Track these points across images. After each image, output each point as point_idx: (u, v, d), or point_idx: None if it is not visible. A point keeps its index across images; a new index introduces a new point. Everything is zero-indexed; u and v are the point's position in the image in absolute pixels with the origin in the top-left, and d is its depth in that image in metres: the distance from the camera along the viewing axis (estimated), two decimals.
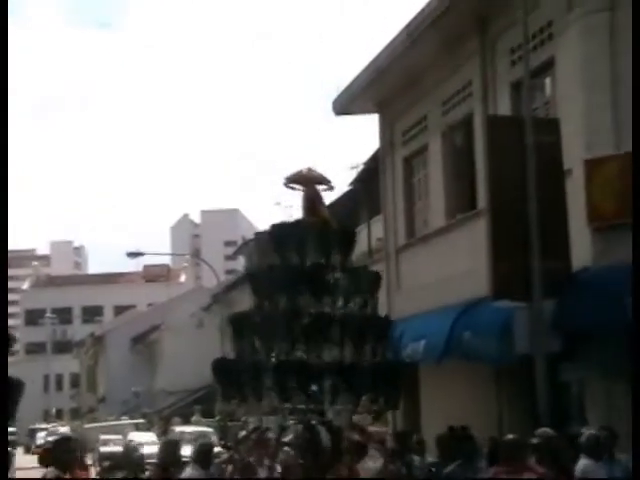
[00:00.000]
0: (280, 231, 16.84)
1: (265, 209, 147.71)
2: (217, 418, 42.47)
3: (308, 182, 17.67)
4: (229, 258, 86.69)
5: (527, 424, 15.89)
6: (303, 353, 15.59)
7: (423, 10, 23.06)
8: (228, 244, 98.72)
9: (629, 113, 18.22)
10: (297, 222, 17.02)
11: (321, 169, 17.57)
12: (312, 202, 17.24)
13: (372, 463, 15.49)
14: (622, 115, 18.43)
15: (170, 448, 16.77)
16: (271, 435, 16.70)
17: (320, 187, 17.68)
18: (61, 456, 13.88)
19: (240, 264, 69.61)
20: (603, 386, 18.11)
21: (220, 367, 16.55)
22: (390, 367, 16.09)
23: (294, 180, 17.75)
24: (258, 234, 58.49)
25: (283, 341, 15.65)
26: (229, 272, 76.83)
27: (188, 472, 14.34)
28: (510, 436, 13.60)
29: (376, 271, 17.31)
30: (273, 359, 15.66)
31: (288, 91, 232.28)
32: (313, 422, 15.56)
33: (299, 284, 15.99)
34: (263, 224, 72.70)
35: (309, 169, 19.10)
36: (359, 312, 16.13)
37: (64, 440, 15.78)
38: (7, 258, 14.66)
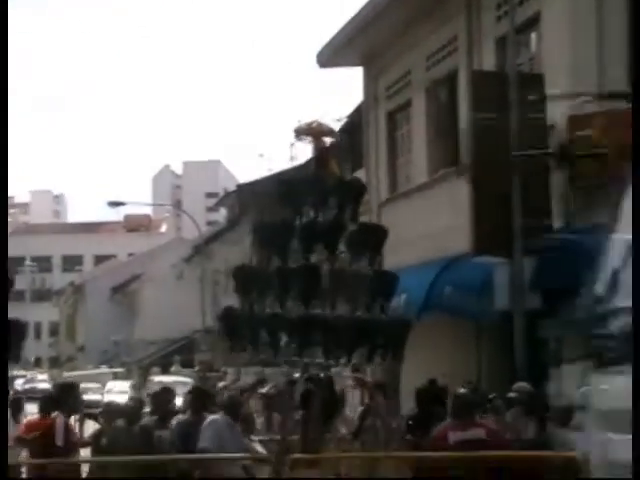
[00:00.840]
0: (291, 184, 16.91)
1: (247, 161, 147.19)
2: (196, 369, 42.66)
3: (318, 134, 17.52)
4: (210, 210, 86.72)
5: (505, 379, 16.03)
6: (315, 308, 15.56)
7: None
8: (209, 195, 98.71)
9: (615, 69, 18.45)
10: (309, 175, 17.03)
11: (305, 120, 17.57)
12: (323, 154, 17.16)
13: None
14: (608, 71, 18.63)
15: (166, 396, 16.92)
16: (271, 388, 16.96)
17: (328, 139, 17.69)
18: (67, 401, 14.03)
19: (221, 216, 69.70)
20: (580, 344, 18.16)
21: (229, 318, 16.34)
22: (397, 322, 16.12)
23: (304, 132, 17.55)
24: (240, 186, 58.41)
25: (296, 295, 15.55)
26: (210, 223, 76.95)
27: (215, 418, 14.17)
28: (461, 391, 13.83)
29: (384, 226, 17.19)
30: (285, 313, 15.46)
31: (272, 42, 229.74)
32: (320, 375, 15.72)
33: (314, 239, 15.95)
34: (245, 176, 72.90)
35: (318, 122, 19.10)
36: (369, 268, 15.99)
37: (69, 386, 15.85)
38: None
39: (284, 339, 15.46)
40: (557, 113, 18.59)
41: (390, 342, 15.77)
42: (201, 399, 14.96)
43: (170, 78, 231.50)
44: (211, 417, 14.04)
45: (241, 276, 16.51)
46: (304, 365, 15.79)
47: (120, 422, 14.55)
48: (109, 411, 15.17)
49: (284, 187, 16.98)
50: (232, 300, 51.83)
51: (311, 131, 17.38)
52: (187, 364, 50.13)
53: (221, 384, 21.90)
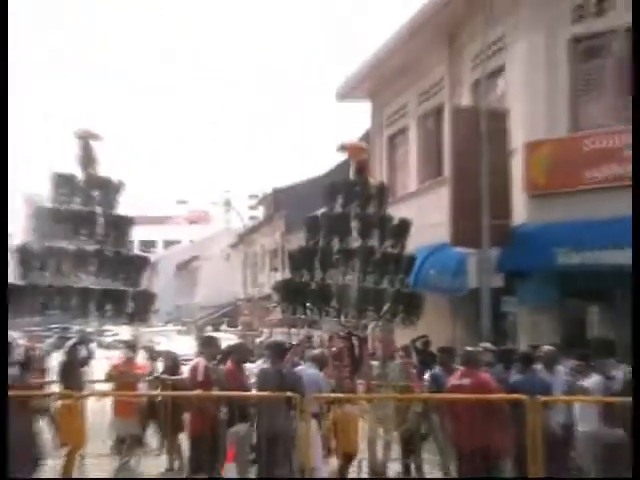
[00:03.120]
0: (336, 186, 16.62)
1: (280, 170, 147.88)
2: (239, 328, 42.76)
3: (357, 150, 17.56)
4: (251, 208, 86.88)
5: (474, 340, 15.76)
6: (350, 281, 15.51)
7: (406, 24, 22.97)
8: (251, 197, 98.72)
9: (559, 107, 18.59)
10: (349, 180, 16.67)
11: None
12: (360, 165, 17.04)
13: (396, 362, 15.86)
14: (554, 109, 18.59)
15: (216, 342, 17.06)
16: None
17: (363, 155, 17.53)
18: (210, 349, 14.08)
19: (260, 213, 69.81)
20: (532, 316, 18.27)
21: (284, 287, 16.22)
22: (414, 293, 16.04)
23: (346, 148, 17.56)
24: (275, 190, 58.42)
25: (337, 270, 15.51)
26: (251, 218, 76.93)
27: (310, 369, 13.77)
28: (468, 348, 13.36)
29: (406, 219, 16.78)
30: (330, 284, 15.42)
31: (303, 81, 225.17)
32: (354, 334, 15.58)
33: (368, 227, 15.87)
34: (277, 183, 72.92)
35: (358, 142, 20.10)
36: (394, 251, 16.00)
37: (211, 338, 15.83)
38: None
39: (329, 304, 15.31)
40: (516, 139, 18.53)
41: (409, 308, 15.72)
42: (278, 351, 14.56)
43: (223, 105, 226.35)
44: (303, 367, 13.78)
45: (295, 255, 16.32)
46: (342, 325, 15.80)
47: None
48: (240, 350, 14.99)
49: (333, 188, 16.63)
50: (265, 277, 51.80)
51: (351, 147, 17.42)
52: (232, 324, 50.14)
53: (258, 340, 21.98)
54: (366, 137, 27.91)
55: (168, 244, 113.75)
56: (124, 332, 23.91)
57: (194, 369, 14.02)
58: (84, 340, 16.20)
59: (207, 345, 14.60)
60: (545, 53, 18.87)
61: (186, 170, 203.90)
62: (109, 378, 15.61)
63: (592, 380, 12.76)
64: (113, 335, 41.20)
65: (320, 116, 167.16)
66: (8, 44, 14.05)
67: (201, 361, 13.82)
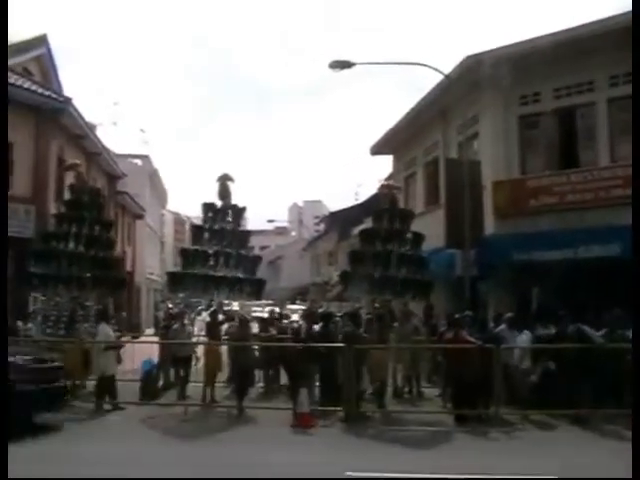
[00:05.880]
0: (379, 211, 17.24)
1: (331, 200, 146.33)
2: (308, 303, 43.24)
3: (391, 187, 18.42)
4: (316, 224, 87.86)
5: (460, 310, 15.15)
6: (389, 270, 16.06)
7: (415, 107, 23.28)
8: (316, 217, 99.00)
9: (513, 159, 18.82)
10: (387, 207, 17.24)
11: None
12: (393, 197, 17.60)
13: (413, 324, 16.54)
14: (510, 160, 18.88)
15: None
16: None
17: (395, 190, 18.36)
18: (329, 321, 14.54)
19: (321, 228, 70.73)
20: (496, 294, 18.39)
21: (345, 276, 16.55)
22: (423, 280, 16.54)
23: (384, 185, 18.46)
24: (331, 212, 59.63)
25: (381, 265, 16.09)
26: (316, 231, 78.19)
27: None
28: (456, 315, 14.10)
29: (421, 233, 17.16)
30: (375, 273, 15.92)
31: (345, 139, 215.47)
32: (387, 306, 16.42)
33: (389, 237, 16.54)
34: (331, 207, 73.80)
35: (392, 182, 21.23)
36: (411, 252, 16.64)
37: (330, 314, 16.08)
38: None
39: (372, 285, 15.96)
40: (486, 179, 18.67)
41: (420, 289, 16.49)
42: (357, 318, 14.78)
43: (295, 156, 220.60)
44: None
45: (352, 255, 16.96)
46: (382, 300, 16.55)
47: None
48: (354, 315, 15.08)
49: (376, 213, 17.36)
50: (326, 270, 52.08)
51: (386, 185, 18.42)
52: (303, 300, 50.68)
53: (320, 310, 22.48)
54: (390, 178, 27.56)
55: (262, 248, 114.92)
56: (235, 305, 24.97)
57: (297, 331, 14.71)
58: (219, 309, 17.74)
59: (328, 318, 14.83)
60: (503, 125, 19.03)
61: (274, 198, 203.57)
62: (227, 334, 15.85)
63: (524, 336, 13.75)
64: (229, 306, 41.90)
65: (360, 164, 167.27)
66: (8, 44, 14.63)
67: (302, 324, 14.53)
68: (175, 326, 15.94)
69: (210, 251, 16.65)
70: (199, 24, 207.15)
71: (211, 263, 16.53)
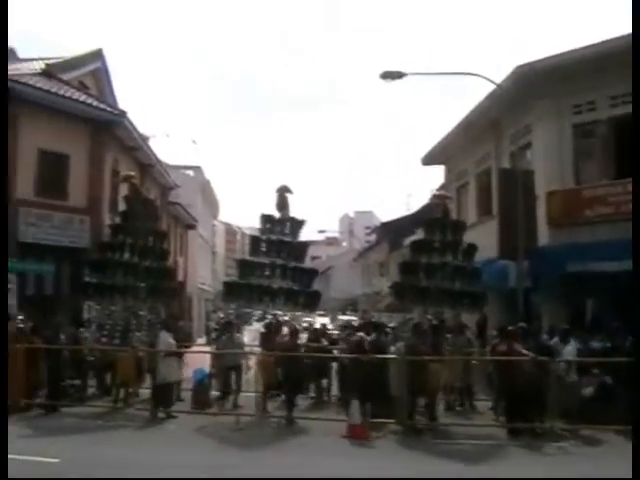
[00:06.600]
0: (431, 221, 17.32)
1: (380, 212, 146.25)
2: (359, 313, 43.08)
3: (443, 197, 18.49)
4: (367, 234, 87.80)
5: (513, 322, 14.81)
6: (441, 281, 16.19)
7: (466, 117, 23.12)
8: (367, 227, 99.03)
9: (567, 169, 18.58)
10: (439, 218, 17.34)
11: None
12: (445, 207, 17.70)
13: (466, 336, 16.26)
14: (564, 170, 18.66)
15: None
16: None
17: (447, 200, 18.41)
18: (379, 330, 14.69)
19: (372, 238, 70.63)
20: (549, 306, 18.27)
21: (397, 287, 16.64)
22: (477, 292, 16.64)
23: (436, 196, 18.62)
24: (382, 223, 59.58)
25: (433, 275, 16.21)
26: (367, 242, 77.98)
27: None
28: (510, 327, 13.81)
29: (474, 244, 17.26)
30: (427, 284, 16.03)
31: (396, 151, 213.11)
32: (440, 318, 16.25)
33: (441, 248, 16.61)
34: (383, 218, 73.69)
35: (444, 192, 21.21)
36: (466, 264, 16.63)
37: (380, 323, 16.33)
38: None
39: (424, 296, 16.08)
40: (540, 189, 18.48)
41: (474, 301, 16.60)
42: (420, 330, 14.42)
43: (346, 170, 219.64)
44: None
45: (403, 266, 16.99)
46: (434, 312, 16.53)
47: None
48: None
49: (427, 223, 17.43)
50: (376, 280, 51.83)
51: (439, 195, 18.53)
52: (354, 310, 50.63)
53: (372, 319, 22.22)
54: (441, 188, 27.43)
55: (314, 258, 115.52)
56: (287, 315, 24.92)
57: (360, 342, 14.22)
58: (274, 320, 17.82)
59: (379, 328, 14.88)
60: (557, 134, 18.82)
61: (325, 208, 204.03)
62: (277, 344, 15.37)
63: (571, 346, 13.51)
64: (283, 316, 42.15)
65: (411, 175, 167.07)
66: (8, 44, 14.70)
67: (364, 336, 14.32)
68: (226, 336, 16.07)
69: (267, 262, 16.86)
70: (258, 35, 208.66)
71: (267, 274, 16.74)
